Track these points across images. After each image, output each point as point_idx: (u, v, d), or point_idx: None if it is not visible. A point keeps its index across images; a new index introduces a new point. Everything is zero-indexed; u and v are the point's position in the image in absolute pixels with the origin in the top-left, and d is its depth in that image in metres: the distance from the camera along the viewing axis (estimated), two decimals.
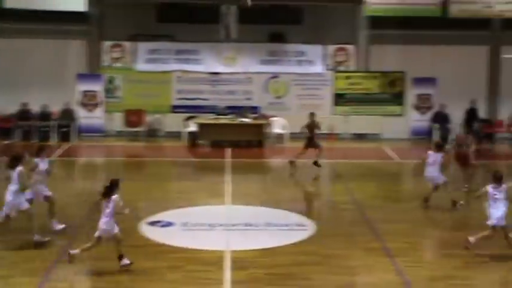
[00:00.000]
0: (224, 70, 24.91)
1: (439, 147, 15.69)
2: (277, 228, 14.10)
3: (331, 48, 25.10)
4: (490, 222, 12.10)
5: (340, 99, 25.06)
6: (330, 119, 24.72)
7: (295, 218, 14.79)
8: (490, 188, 12.12)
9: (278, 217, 14.70)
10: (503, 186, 12.06)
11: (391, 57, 25.01)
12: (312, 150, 19.57)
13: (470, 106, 24.10)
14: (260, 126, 23.53)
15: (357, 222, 14.62)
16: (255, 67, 24.99)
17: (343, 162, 21.35)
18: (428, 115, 24.96)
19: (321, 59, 25.07)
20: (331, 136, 24.50)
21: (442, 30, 24.74)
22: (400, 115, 25.12)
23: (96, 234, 11.06)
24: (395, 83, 25.09)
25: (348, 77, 25.04)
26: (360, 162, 21.21)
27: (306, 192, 17.81)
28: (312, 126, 19.55)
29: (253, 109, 24.52)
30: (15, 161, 12.22)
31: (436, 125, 24.52)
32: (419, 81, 24.92)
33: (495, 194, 12.06)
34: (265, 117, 24.18)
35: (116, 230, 11.12)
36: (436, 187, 15.55)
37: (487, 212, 12.12)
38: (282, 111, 24.77)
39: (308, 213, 15.24)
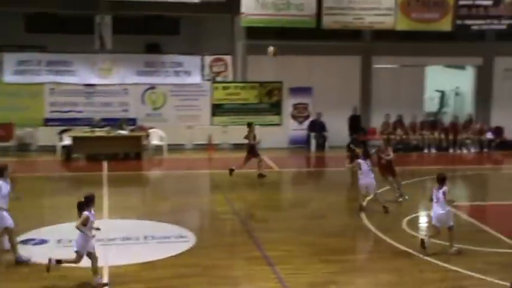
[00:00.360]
0: (99, 82, 24.42)
1: (366, 155, 16.26)
2: (156, 241, 13.91)
3: (209, 58, 25.13)
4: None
5: (218, 109, 25.12)
6: (208, 129, 24.73)
7: (175, 230, 14.65)
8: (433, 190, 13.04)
9: (158, 230, 14.50)
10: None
11: (268, 67, 25.29)
12: (251, 159, 19.85)
13: (353, 113, 24.56)
14: (138, 138, 23.25)
15: (238, 232, 14.66)
16: (132, 78, 24.65)
17: (222, 172, 21.35)
18: (306, 124, 25.42)
19: (198, 70, 25.06)
20: (210, 147, 24.50)
21: (317, 41, 25.30)
22: (278, 124, 25.46)
23: None
24: (272, 93, 25.42)
25: (225, 88, 25.14)
26: (239, 172, 21.28)
27: (186, 203, 17.67)
28: (249, 136, 19.53)
29: (131, 121, 24.16)
30: None
31: (313, 134, 25.02)
32: (296, 91, 25.37)
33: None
34: (143, 129, 23.90)
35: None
36: (368, 194, 16.27)
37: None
38: (160, 122, 24.55)
39: (188, 224, 15.11)
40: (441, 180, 13.05)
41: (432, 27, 25.34)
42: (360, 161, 16.08)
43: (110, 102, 24.59)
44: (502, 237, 14.67)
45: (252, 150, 19.93)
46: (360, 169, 16.00)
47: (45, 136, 23.93)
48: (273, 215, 16.17)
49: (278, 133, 25.10)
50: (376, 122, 25.82)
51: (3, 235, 12.54)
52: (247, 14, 23.95)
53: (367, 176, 15.95)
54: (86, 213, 11.05)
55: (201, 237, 14.22)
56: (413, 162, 23.64)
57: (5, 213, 12.36)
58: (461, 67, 28.78)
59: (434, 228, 13.24)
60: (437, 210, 13.09)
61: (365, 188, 16.12)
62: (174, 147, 23.85)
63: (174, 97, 24.91)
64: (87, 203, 11.15)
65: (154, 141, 23.89)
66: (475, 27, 25.65)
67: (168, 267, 12.30)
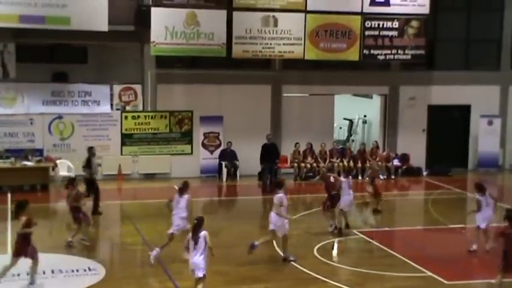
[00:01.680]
0: (3, 111, 23.81)
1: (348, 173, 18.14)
2: (64, 274, 13.70)
3: (118, 87, 24.92)
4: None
5: (128, 139, 24.90)
6: (118, 159, 24.51)
7: (84, 262, 14.45)
8: None
9: (65, 263, 14.27)
10: None
11: (178, 96, 25.31)
12: None
13: (267, 141, 24.59)
14: (44, 169, 22.84)
15: (148, 263, 14.54)
16: (37, 108, 24.16)
17: (132, 203, 21.23)
18: (217, 153, 25.52)
19: (107, 99, 24.81)
20: (120, 177, 24.28)
21: (227, 70, 25.53)
22: (189, 154, 25.44)
23: None
24: (183, 122, 25.40)
25: (135, 117, 24.97)
26: (150, 202, 21.18)
27: (94, 235, 17.42)
28: None
29: (37, 152, 23.65)
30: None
31: (225, 163, 25.13)
32: (207, 119, 25.45)
33: None
34: (50, 159, 23.46)
35: None
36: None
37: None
38: (68, 153, 24.13)
39: (97, 256, 14.92)
40: None
41: (340, 56, 25.94)
42: (343, 179, 17.38)
43: (15, 132, 23.99)
44: (408, 261, 15.12)
45: None
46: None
47: None
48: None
49: (189, 162, 25.06)
50: (287, 150, 26.13)
51: None
52: (156, 43, 23.95)
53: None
54: None
55: (110, 269, 14.08)
56: (324, 190, 24.00)
57: None
58: (369, 96, 29.53)
59: None
60: None
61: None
62: (82, 178, 23.46)
63: (82, 127, 24.54)
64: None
65: (62, 172, 23.46)
66: (381, 57, 26.40)
67: None
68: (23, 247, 12.87)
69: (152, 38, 23.82)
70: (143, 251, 15.45)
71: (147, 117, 25.08)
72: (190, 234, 11.91)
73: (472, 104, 28.04)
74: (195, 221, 11.97)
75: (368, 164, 24.94)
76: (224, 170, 25.10)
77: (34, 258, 12.95)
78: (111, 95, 24.87)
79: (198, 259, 11.74)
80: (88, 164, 19.75)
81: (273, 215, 14.81)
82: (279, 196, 14.84)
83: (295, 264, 14.68)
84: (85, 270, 13.91)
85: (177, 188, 15.21)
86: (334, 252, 16.33)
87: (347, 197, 17.63)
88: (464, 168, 27.73)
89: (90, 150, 20.10)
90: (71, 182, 16.80)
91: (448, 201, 18.46)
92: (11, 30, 23.22)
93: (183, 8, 24.03)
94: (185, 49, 24.25)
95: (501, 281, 12.68)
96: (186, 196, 14.73)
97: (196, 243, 11.72)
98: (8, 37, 23.66)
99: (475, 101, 27.97)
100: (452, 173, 26.33)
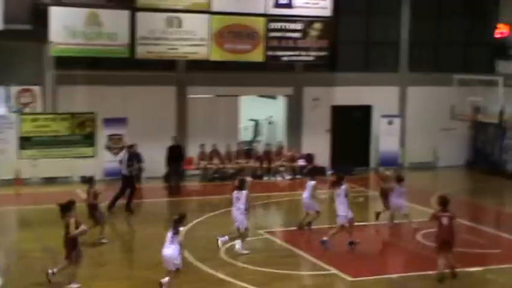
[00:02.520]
0: None
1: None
2: None
3: (15, 89, 24.12)
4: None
5: (26, 142, 24.07)
6: (16, 163, 23.69)
7: None
8: None
9: None
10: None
11: (80, 98, 24.68)
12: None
13: (173, 142, 24.29)
14: None
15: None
16: None
17: (32, 208, 20.53)
18: (121, 155, 25.03)
19: (3, 101, 23.99)
20: (17, 181, 23.49)
21: (131, 71, 25.11)
22: (92, 156, 24.85)
23: None
24: (85, 124, 24.79)
25: (34, 120, 24.17)
26: (51, 207, 20.45)
27: None
28: None
29: None
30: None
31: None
32: (111, 121, 24.95)
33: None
34: None
35: None
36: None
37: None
38: None
39: None
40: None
41: (245, 58, 25.94)
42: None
43: None
44: (314, 259, 15.21)
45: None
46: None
47: None
48: (90, 250, 15.68)
49: (92, 165, 24.41)
50: (193, 151, 25.91)
51: None
52: (56, 43, 23.27)
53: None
54: None
55: (7, 278, 13.54)
56: (230, 191, 23.90)
57: None
58: (273, 97, 29.66)
59: None
60: None
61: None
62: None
63: None
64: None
65: None
66: (285, 59, 26.58)
67: None
68: (72, 250, 13.13)
69: (51, 38, 23.12)
70: (44, 259, 14.89)
71: (47, 120, 24.34)
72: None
73: (373, 105, 28.62)
74: (178, 216, 12.91)
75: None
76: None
77: (78, 262, 13.20)
78: (8, 97, 24.07)
79: (172, 251, 12.75)
80: (130, 162, 20.46)
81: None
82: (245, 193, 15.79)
83: (202, 265, 14.53)
84: None
85: (236, 184, 16.22)
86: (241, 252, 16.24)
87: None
88: (367, 167, 28.22)
89: (131, 148, 20.88)
90: (89, 180, 17.39)
91: (351, 199, 18.69)
92: None
93: (83, 7, 23.46)
94: (87, 49, 23.69)
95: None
96: (244, 192, 15.71)
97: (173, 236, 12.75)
98: None
99: (375, 102, 28.59)
100: (355, 172, 26.72)
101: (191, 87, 26.24)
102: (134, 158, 20.90)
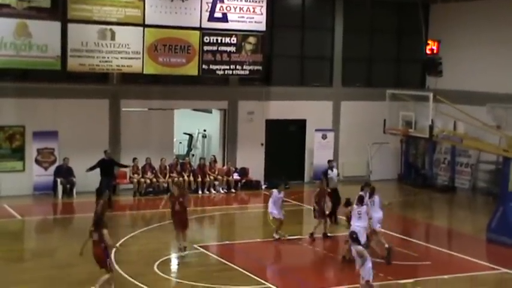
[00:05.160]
0: None
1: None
2: None
3: None
4: None
5: None
6: None
7: None
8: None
9: None
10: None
11: (9, 110, 24.14)
12: None
13: (106, 157, 23.81)
14: None
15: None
16: None
17: None
18: (52, 169, 24.60)
19: None
20: None
21: (62, 84, 24.72)
22: (21, 171, 24.34)
23: None
24: (14, 137, 24.30)
25: None
26: None
27: None
28: None
29: None
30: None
31: (60, 179, 24.26)
32: (41, 135, 24.49)
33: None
34: None
35: None
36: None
37: None
38: None
39: None
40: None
41: (179, 71, 25.86)
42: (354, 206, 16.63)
43: None
44: (248, 273, 15.21)
45: None
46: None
47: None
48: (16, 266, 15.33)
49: (21, 180, 23.95)
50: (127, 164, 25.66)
51: None
52: None
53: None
54: None
55: None
56: (163, 206, 23.77)
57: None
58: (208, 111, 29.64)
59: None
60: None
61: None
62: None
63: None
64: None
65: None
66: (219, 72, 26.61)
67: None
68: (106, 259, 13.55)
69: None
70: None
71: None
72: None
73: (307, 119, 28.88)
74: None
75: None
76: (60, 187, 24.21)
77: (112, 271, 13.67)
78: None
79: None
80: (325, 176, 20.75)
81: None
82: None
83: (135, 281, 14.37)
84: None
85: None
86: (174, 267, 16.13)
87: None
88: (301, 181, 28.40)
89: (329, 163, 22.18)
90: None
91: (286, 213, 18.83)
92: None
93: (12, 17, 22.97)
94: (16, 61, 23.20)
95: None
96: (376, 197, 17.33)
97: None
98: None
99: (310, 116, 28.85)
100: (289, 185, 26.85)
101: (125, 100, 25.98)
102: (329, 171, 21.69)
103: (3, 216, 20.97)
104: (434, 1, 29.87)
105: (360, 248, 13.00)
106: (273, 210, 18.66)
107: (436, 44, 29.06)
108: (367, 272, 12.78)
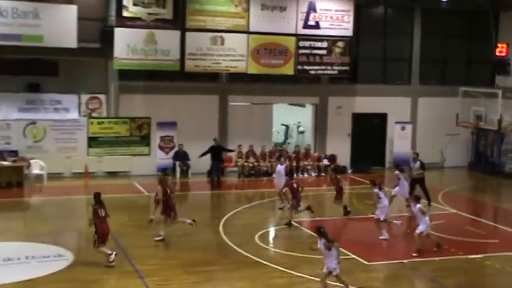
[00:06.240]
0: None
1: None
2: (37, 260, 13.45)
3: (85, 97, 24.54)
4: None
5: (94, 142, 24.52)
6: (85, 159, 24.16)
7: (55, 249, 14.21)
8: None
9: (38, 250, 14.00)
10: None
11: (138, 104, 25.04)
12: None
13: (215, 143, 24.32)
14: (19, 168, 22.31)
15: (112, 249, 14.35)
16: (14, 114, 23.65)
17: None
18: (171, 154, 25.36)
19: (76, 107, 24.40)
20: (86, 175, 23.93)
21: (181, 82, 25.39)
22: (147, 154, 25.20)
23: None
24: (142, 127, 25.16)
25: (100, 123, 24.62)
26: (113, 196, 20.84)
27: (64, 225, 17.09)
28: None
29: (13, 153, 23.09)
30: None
31: (178, 162, 24.98)
32: (163, 125, 25.26)
33: None
34: (24, 159, 22.94)
35: None
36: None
37: None
38: (41, 154, 23.62)
39: (66, 244, 14.67)
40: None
41: (277, 71, 26.07)
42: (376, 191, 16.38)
43: None
44: None
45: None
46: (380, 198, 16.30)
47: None
48: (142, 233, 16.00)
49: (147, 162, 24.82)
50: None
51: None
52: (119, 58, 23.67)
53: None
54: None
55: (78, 255, 13.88)
56: (264, 186, 24.10)
57: None
58: (302, 105, 29.74)
59: None
60: None
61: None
62: (53, 176, 23.06)
63: (53, 131, 24.07)
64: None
65: (35, 170, 22.98)
66: (312, 72, 26.66)
67: (48, 284, 11.93)
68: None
69: (115, 54, 23.53)
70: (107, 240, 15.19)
71: (110, 123, 24.76)
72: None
73: (388, 113, 28.55)
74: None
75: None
76: (178, 169, 24.94)
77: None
78: (79, 103, 24.49)
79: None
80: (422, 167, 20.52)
81: None
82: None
83: (239, 249, 14.71)
84: (55, 257, 13.68)
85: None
86: (272, 239, 16.40)
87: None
88: (382, 167, 28.17)
89: (413, 155, 21.31)
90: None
91: (369, 194, 18.76)
92: None
93: (142, 28, 23.77)
94: (144, 64, 24.02)
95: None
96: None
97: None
98: None
99: (390, 110, 28.50)
100: (373, 170, 26.72)
101: (231, 96, 26.42)
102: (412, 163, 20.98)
103: (133, 192, 21.86)
104: (504, 9, 28.89)
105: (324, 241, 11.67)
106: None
107: (505, 47, 28.19)
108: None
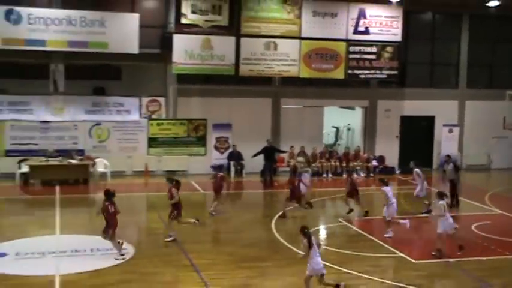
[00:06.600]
0: (53, 119, 23.89)
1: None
2: (101, 252, 13.74)
3: (146, 99, 24.98)
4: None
5: (153, 142, 24.94)
6: (145, 158, 24.58)
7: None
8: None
9: (102, 243, 14.28)
10: None
11: (195, 107, 25.33)
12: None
13: (268, 144, 24.35)
14: (85, 166, 22.84)
15: (169, 244, 14.61)
16: (80, 116, 24.25)
17: (156, 194, 21.23)
18: (226, 154, 25.55)
19: (137, 109, 24.85)
20: (146, 173, 24.34)
21: (235, 86, 25.57)
22: (203, 154, 25.46)
23: None
24: (199, 128, 25.43)
25: (159, 124, 25.02)
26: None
27: (126, 221, 17.39)
28: None
29: (79, 152, 23.70)
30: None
31: (232, 162, 25.15)
32: (218, 126, 25.48)
33: None
34: (90, 158, 23.50)
35: None
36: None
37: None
38: (104, 153, 24.18)
39: (128, 238, 14.94)
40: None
41: (328, 75, 25.99)
42: (384, 188, 16.01)
43: (62, 136, 24.05)
44: (384, 244, 15.13)
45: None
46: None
47: (6, 165, 23.16)
48: (199, 229, 16.16)
49: (203, 162, 25.06)
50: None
51: None
52: (178, 63, 24.03)
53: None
54: None
55: (139, 249, 14.13)
56: (314, 185, 24.01)
57: None
58: (352, 108, 29.55)
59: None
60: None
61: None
62: (116, 174, 23.54)
63: (116, 132, 24.60)
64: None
65: (100, 168, 23.51)
66: (362, 76, 26.47)
67: (112, 275, 12.18)
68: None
69: (174, 59, 23.89)
70: (165, 235, 15.44)
71: (169, 124, 25.11)
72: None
73: (436, 115, 28.08)
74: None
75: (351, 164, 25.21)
76: (232, 168, 25.11)
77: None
78: (140, 105, 24.91)
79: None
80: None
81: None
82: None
83: (290, 246, 14.71)
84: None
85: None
86: (322, 236, 16.34)
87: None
88: (430, 168, 27.70)
89: (446, 158, 21.13)
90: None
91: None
92: (61, 53, 23.38)
93: (199, 34, 24.09)
94: (201, 68, 24.30)
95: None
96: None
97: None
98: (58, 59, 23.76)
99: (438, 113, 28.04)
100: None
101: (284, 99, 26.46)
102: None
103: (190, 190, 22.03)
104: None
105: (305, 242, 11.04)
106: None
107: None
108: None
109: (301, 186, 18.33)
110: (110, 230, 13.43)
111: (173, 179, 15.75)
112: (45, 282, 11.59)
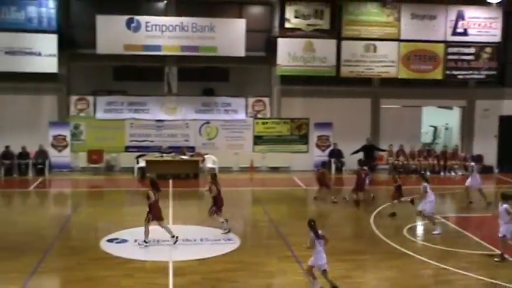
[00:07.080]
0: (167, 118, 24.77)
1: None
2: (210, 242, 14.07)
3: (251, 100, 25.33)
4: None
5: (258, 140, 25.25)
6: (251, 155, 24.92)
7: (225, 234, 14.75)
8: None
9: (211, 234, 14.67)
10: None
11: (298, 107, 25.38)
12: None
13: (367, 143, 23.75)
14: (195, 162, 23.41)
15: (273, 236, 14.75)
16: (191, 115, 24.94)
17: (261, 189, 21.48)
18: (327, 151, 25.43)
19: (243, 109, 25.24)
20: (252, 169, 24.67)
21: (336, 87, 25.37)
22: (305, 152, 25.47)
23: None
24: (301, 127, 25.47)
25: (264, 123, 25.28)
26: (275, 189, 21.36)
27: (233, 213, 17.75)
28: None
29: (190, 148, 24.42)
30: None
31: (333, 159, 25.00)
32: (320, 125, 25.38)
33: None
34: (200, 155, 24.13)
35: None
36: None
37: None
38: (213, 150, 24.75)
39: (234, 230, 15.23)
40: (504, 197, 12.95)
41: (427, 76, 25.28)
42: (425, 184, 15.62)
43: (175, 133, 24.89)
44: (481, 241, 14.54)
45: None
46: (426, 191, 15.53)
47: (126, 160, 24.29)
48: (300, 223, 16.16)
49: (305, 159, 25.08)
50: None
51: None
52: (281, 65, 24.21)
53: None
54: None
55: (244, 240, 14.35)
56: (413, 183, 23.37)
57: None
58: (450, 108, 28.51)
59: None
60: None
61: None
62: (224, 169, 24.01)
63: (224, 130, 25.12)
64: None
65: (209, 164, 24.04)
66: (460, 77, 25.52)
67: (218, 263, 12.46)
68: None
69: (278, 61, 24.10)
70: (269, 227, 15.63)
71: (273, 123, 25.32)
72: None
73: None
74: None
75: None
76: (332, 165, 24.96)
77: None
78: (246, 105, 25.27)
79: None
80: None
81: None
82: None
83: (388, 241, 14.44)
84: (225, 240, 14.23)
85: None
86: (420, 232, 15.92)
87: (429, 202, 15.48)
88: None
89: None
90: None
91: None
92: (174, 57, 24.19)
93: (302, 38, 24.14)
94: (303, 70, 24.35)
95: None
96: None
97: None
98: (172, 62, 24.61)
99: None
100: None
101: (383, 99, 25.97)
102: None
103: (293, 186, 22.13)
104: None
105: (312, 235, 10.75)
106: None
107: None
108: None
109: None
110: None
111: (213, 174, 15.69)
112: (159, 267, 12.05)
